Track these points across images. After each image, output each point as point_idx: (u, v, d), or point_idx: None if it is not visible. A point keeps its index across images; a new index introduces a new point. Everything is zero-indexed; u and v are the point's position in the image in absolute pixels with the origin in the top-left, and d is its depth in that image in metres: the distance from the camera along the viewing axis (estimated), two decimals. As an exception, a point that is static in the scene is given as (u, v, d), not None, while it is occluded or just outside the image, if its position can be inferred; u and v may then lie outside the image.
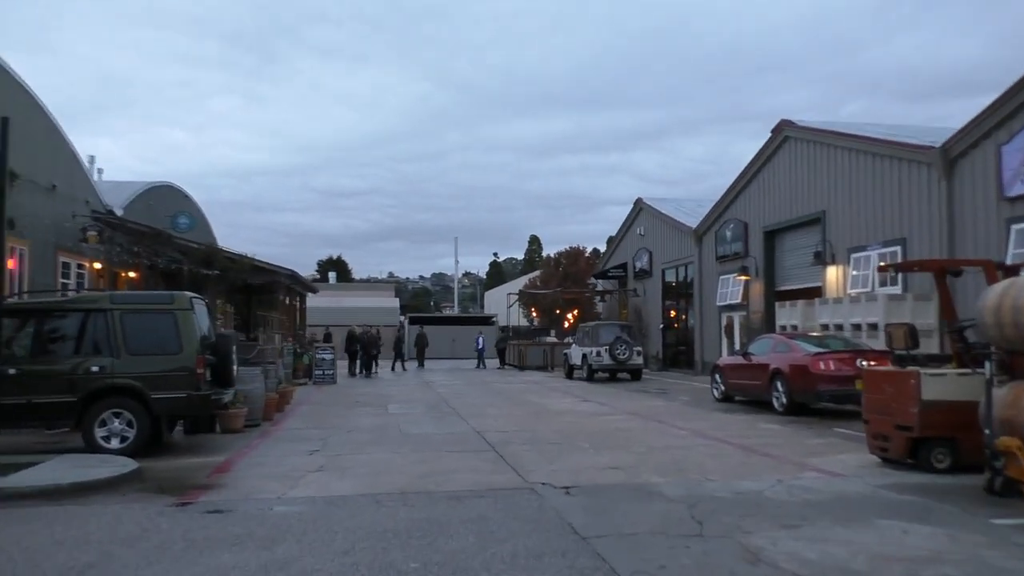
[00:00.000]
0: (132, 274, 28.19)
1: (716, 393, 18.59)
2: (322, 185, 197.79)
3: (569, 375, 29.03)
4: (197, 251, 25.86)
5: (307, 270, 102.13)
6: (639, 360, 26.86)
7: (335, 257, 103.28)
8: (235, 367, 11.91)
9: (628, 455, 10.46)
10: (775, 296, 24.42)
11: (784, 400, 15.47)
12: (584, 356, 27.26)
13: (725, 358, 20.49)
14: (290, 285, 30.52)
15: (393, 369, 34.62)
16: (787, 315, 21.15)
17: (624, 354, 26.19)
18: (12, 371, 10.19)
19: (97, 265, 25.42)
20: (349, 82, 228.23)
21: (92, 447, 10.28)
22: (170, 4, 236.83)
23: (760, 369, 16.37)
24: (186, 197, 36.83)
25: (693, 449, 11.04)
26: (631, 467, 9.55)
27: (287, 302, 33.79)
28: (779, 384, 15.63)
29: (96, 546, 6.15)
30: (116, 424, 10.41)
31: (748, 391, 17.26)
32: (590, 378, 26.81)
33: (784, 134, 23.86)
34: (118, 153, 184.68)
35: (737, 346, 24.92)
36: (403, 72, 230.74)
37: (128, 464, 9.31)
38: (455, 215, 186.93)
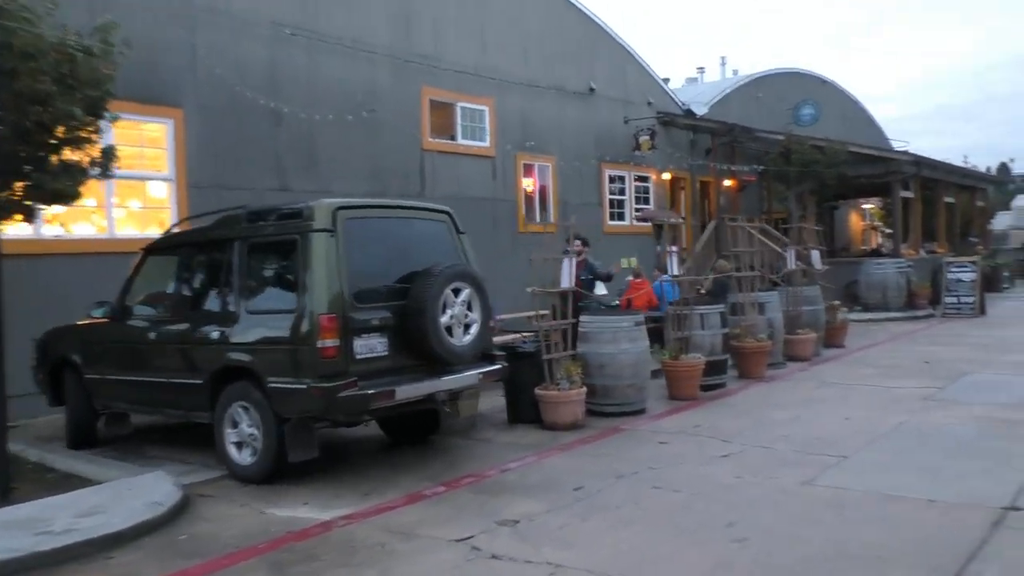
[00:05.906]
0: (727, 182, 23.55)
1: None
2: None
3: None
4: (777, 144, 19.82)
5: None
6: None
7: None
8: (461, 330, 6.49)
9: None
10: None
11: None
12: None
13: None
14: (930, 176, 21.49)
15: None
16: None
17: None
18: (152, 336, 7.09)
19: (665, 176, 21.64)
20: None
21: (223, 458, 6.52)
22: None
23: None
24: (823, 83, 30.11)
25: None
26: None
27: (944, 200, 24.39)
28: None
29: None
30: (244, 425, 6.37)
31: None
32: None
33: None
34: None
35: None
36: None
37: (138, 514, 5.22)
38: None
